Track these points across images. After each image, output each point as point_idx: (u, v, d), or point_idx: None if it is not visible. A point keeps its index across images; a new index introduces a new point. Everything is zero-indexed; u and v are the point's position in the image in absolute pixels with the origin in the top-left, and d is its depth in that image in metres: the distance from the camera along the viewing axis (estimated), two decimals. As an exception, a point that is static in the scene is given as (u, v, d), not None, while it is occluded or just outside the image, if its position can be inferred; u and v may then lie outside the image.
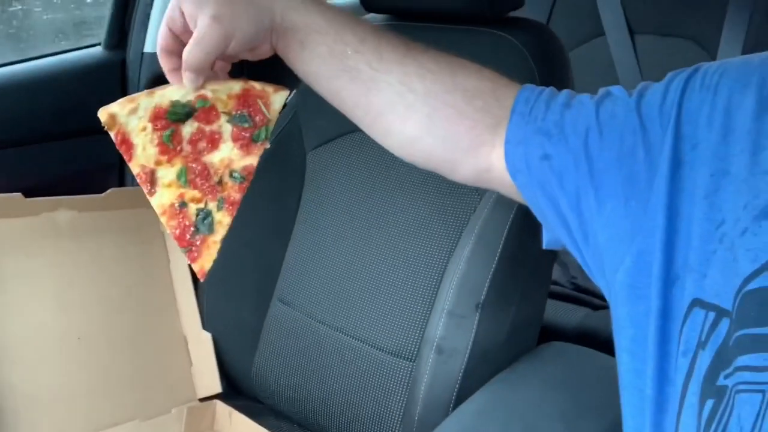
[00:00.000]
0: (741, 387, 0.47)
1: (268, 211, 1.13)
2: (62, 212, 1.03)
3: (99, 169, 1.31)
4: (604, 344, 0.93)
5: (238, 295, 1.13)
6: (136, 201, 1.10)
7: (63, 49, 1.31)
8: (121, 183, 1.33)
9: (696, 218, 0.53)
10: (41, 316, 0.98)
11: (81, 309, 1.02)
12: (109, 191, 1.08)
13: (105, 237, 1.07)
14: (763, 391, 0.47)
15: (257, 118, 0.63)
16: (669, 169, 0.55)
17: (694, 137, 0.55)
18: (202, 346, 1.10)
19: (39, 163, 1.21)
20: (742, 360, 0.48)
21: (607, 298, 0.60)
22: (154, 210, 1.14)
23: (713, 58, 1.43)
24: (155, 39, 1.29)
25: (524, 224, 0.87)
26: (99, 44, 1.31)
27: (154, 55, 1.25)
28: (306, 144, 1.13)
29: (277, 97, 0.64)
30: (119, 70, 1.27)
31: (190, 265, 1.10)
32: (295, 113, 1.14)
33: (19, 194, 0.98)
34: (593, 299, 1.35)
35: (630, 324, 0.56)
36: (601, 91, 0.62)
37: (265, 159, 1.10)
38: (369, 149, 1.05)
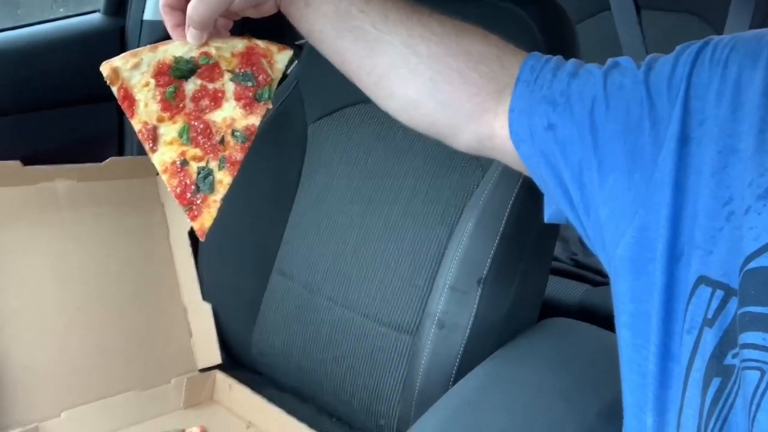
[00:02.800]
0: (746, 364, 0.47)
1: (268, 183, 1.12)
2: (61, 181, 1.02)
3: (98, 137, 1.30)
4: (604, 320, 0.93)
5: (238, 266, 1.13)
6: (136, 170, 1.10)
7: (61, 16, 1.29)
8: (120, 152, 1.33)
9: (702, 195, 0.52)
10: (40, 286, 0.98)
11: (80, 279, 1.01)
12: (108, 160, 1.07)
13: (104, 207, 1.06)
14: (762, 370, 0.47)
15: (260, 77, 0.63)
16: (676, 144, 0.54)
17: (703, 113, 0.54)
18: (201, 318, 1.10)
19: (37, 132, 1.20)
20: (745, 337, 0.48)
21: (607, 272, 0.60)
22: (153, 180, 1.14)
23: (719, 35, 1.41)
24: (155, 6, 1.28)
25: (527, 200, 0.87)
26: (98, 10, 1.29)
27: (154, 23, 1.24)
28: (307, 116, 1.12)
29: (281, 57, 0.64)
30: (118, 37, 1.26)
31: (190, 236, 1.11)
32: (296, 84, 1.13)
33: (17, 162, 0.97)
34: (593, 275, 1.35)
35: (631, 299, 0.56)
36: (609, 61, 0.61)
37: (266, 130, 1.10)
38: (371, 122, 1.04)
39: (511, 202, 0.87)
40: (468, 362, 0.86)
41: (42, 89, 1.19)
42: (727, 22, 1.41)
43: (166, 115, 0.62)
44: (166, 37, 0.62)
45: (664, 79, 0.56)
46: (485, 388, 0.82)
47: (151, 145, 0.62)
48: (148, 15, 1.25)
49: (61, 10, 1.41)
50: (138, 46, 1.25)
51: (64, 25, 1.26)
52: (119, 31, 1.26)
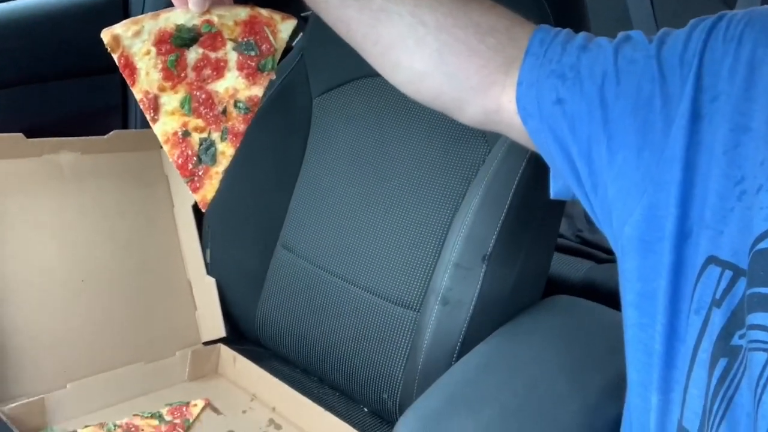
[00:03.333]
0: (752, 345, 0.47)
1: (272, 156, 1.11)
2: (65, 154, 1.02)
3: (101, 110, 1.29)
4: (608, 297, 0.93)
5: (242, 241, 1.13)
6: (140, 143, 1.09)
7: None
8: (124, 125, 1.32)
9: (713, 174, 0.52)
10: (45, 257, 0.98)
11: (85, 251, 1.01)
12: (112, 133, 1.06)
13: (108, 180, 1.06)
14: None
15: (264, 47, 0.62)
16: (687, 121, 0.53)
17: (715, 89, 0.53)
18: (206, 291, 1.10)
19: (41, 104, 1.19)
20: (752, 318, 0.47)
21: (614, 250, 0.60)
22: (158, 153, 1.13)
23: (731, 9, 1.39)
24: (159, -24, 1.25)
25: (533, 177, 0.86)
26: (100, -19, 1.27)
27: (157, -6, 1.22)
28: (312, 89, 1.11)
29: (285, 26, 0.62)
30: (122, 7, 1.24)
31: (194, 210, 1.11)
32: (301, 57, 1.12)
33: (20, 134, 0.97)
34: (598, 252, 1.34)
35: (638, 278, 0.56)
36: (621, 35, 0.60)
37: (270, 103, 1.09)
38: (377, 97, 1.03)
39: (517, 179, 0.87)
40: (471, 339, 0.86)
41: (45, 61, 1.18)
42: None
43: (168, 84, 0.61)
44: (170, 5, 0.61)
45: (677, 55, 0.55)
46: (488, 365, 0.82)
47: (152, 114, 0.61)
48: (152, -16, 1.24)
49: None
50: (141, 16, 1.25)
51: (67, -5, 1.24)
52: (122, 2, 1.25)
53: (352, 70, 1.05)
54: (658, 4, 1.55)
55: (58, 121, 1.20)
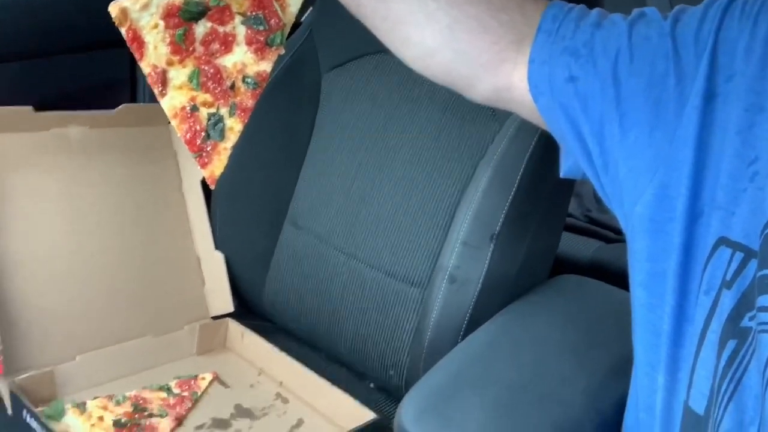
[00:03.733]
0: (762, 327, 0.46)
1: (281, 133, 1.11)
2: (73, 128, 1.02)
3: (110, 84, 1.29)
4: (616, 277, 0.92)
5: (250, 217, 1.13)
6: (149, 118, 1.09)
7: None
8: (133, 99, 1.31)
9: (726, 154, 0.51)
10: (54, 231, 0.98)
11: (93, 226, 1.01)
12: (120, 107, 1.06)
13: (116, 154, 1.06)
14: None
15: (272, 21, 0.61)
16: (701, 100, 0.52)
17: (730, 68, 0.52)
18: (214, 266, 1.11)
19: (49, 77, 1.18)
20: (763, 300, 0.47)
21: (624, 230, 0.59)
22: (166, 128, 1.13)
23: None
24: (167, -51, 1.24)
25: (543, 155, 0.86)
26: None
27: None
28: (321, 65, 1.10)
29: (294, 0, 0.62)
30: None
31: (203, 185, 1.11)
32: (310, 32, 1.11)
33: (29, 107, 0.96)
34: (607, 232, 1.34)
35: (647, 258, 0.55)
36: (635, 11, 0.59)
37: (279, 79, 1.08)
38: (387, 72, 1.03)
39: (526, 157, 0.86)
40: (478, 317, 0.86)
41: (53, 34, 1.17)
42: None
43: (176, 58, 0.61)
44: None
45: (691, 33, 0.54)
46: (494, 343, 0.82)
47: (160, 89, 0.61)
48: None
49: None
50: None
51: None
52: (131, -26, 1.23)
53: (361, 45, 1.04)
54: (673, -20, 1.52)
55: (66, 95, 1.20)
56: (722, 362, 0.48)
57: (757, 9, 0.52)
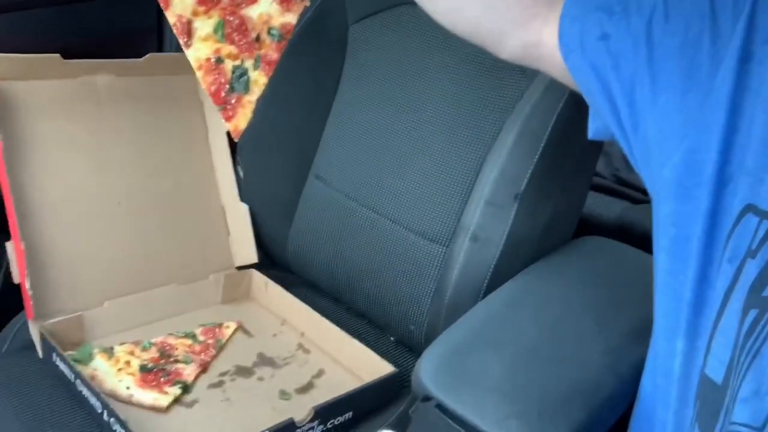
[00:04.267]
0: (785, 298, 0.46)
1: (306, 85, 1.10)
2: (101, 76, 1.02)
3: (137, 32, 1.29)
4: (642, 239, 0.91)
5: (275, 169, 1.13)
6: (175, 67, 1.08)
7: None
8: (159, 48, 1.31)
9: (759, 119, 0.50)
10: (82, 178, 0.99)
11: (120, 174, 1.03)
12: (148, 56, 1.05)
13: (144, 103, 1.06)
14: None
15: None
16: (736, 62, 0.51)
17: None
18: (239, 217, 1.12)
19: (76, 24, 1.18)
20: (788, 271, 0.46)
21: (650, 193, 0.58)
22: (193, 77, 1.12)
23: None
24: None
25: (572, 115, 0.84)
26: None
27: None
28: (349, 16, 1.09)
29: None
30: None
31: (229, 136, 1.11)
32: (338, -18, 1.09)
33: (57, 55, 0.97)
34: (634, 193, 1.32)
35: (672, 223, 0.55)
36: None
37: (304, 31, 1.07)
38: (414, 26, 1.01)
39: (555, 117, 0.84)
40: (500, 276, 0.86)
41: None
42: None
43: (201, 9, 0.60)
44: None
45: None
46: (515, 302, 0.82)
47: (185, 39, 0.61)
48: None
49: None
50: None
51: None
52: None
53: (390, -4, 1.02)
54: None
55: (93, 42, 1.20)
56: (743, 331, 0.48)
57: (801, -32, 0.50)
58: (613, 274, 0.89)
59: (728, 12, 0.52)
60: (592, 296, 0.82)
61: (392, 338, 1.04)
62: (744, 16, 0.51)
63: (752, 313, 0.48)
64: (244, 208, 1.12)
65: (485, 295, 0.86)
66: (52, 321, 0.93)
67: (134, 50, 1.06)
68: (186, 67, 1.08)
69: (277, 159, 1.12)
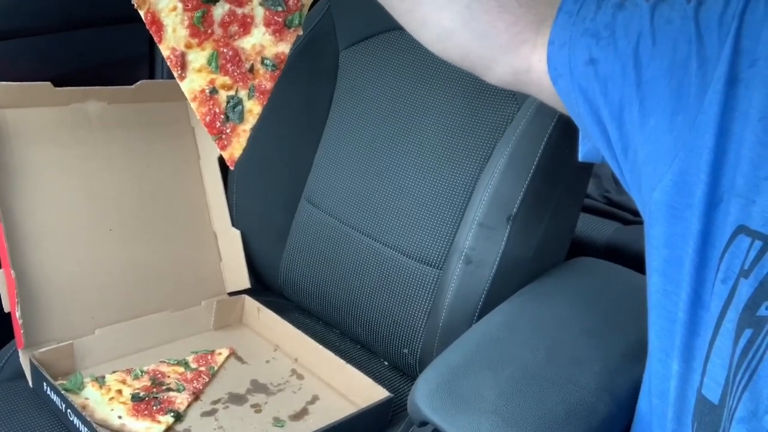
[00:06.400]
0: (780, 318, 0.46)
1: (298, 110, 1.11)
2: (92, 103, 1.02)
3: (128, 59, 1.29)
4: (634, 260, 0.92)
5: (267, 193, 1.13)
6: (167, 94, 1.09)
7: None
8: (151, 75, 1.32)
9: (748, 141, 0.50)
10: (73, 206, 0.99)
11: (112, 201, 1.02)
12: (139, 83, 1.06)
13: (135, 130, 1.06)
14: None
15: (290, 2, 0.61)
16: (723, 85, 0.51)
17: (754, 53, 0.51)
18: (231, 243, 1.11)
19: (68, 53, 1.19)
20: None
21: (642, 215, 0.59)
22: (184, 104, 1.13)
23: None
24: None
25: (562, 137, 0.85)
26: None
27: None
28: (339, 42, 1.10)
29: None
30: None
31: (220, 162, 1.11)
32: (328, 8, 1.10)
33: (48, 83, 0.97)
34: (625, 213, 1.33)
35: (665, 245, 0.55)
36: None
37: (296, 56, 1.08)
38: (405, 50, 1.02)
39: (545, 139, 0.85)
40: (493, 298, 0.86)
41: (72, 9, 1.17)
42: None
43: (195, 41, 0.61)
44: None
45: (716, 16, 0.53)
46: (509, 324, 0.82)
47: (179, 72, 0.61)
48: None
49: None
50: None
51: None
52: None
53: (380, 22, 1.03)
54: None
55: (85, 70, 1.20)
56: (738, 351, 0.48)
57: (784, -10, 0.51)
58: (606, 294, 0.89)
59: (714, 36, 0.53)
60: (587, 317, 0.82)
61: (385, 362, 1.04)
62: (729, 39, 0.52)
63: (747, 333, 0.48)
64: (236, 234, 1.11)
65: (479, 317, 0.86)
66: (42, 350, 0.92)
67: (126, 77, 1.07)
68: (177, 94, 1.08)
69: (269, 184, 1.13)
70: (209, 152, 1.11)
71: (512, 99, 0.90)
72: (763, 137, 0.49)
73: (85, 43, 1.21)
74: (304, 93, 1.10)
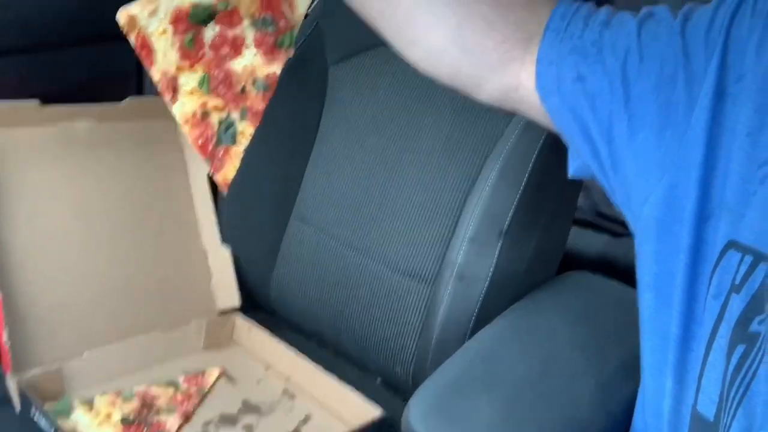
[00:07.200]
0: (772, 333, 0.46)
1: (288, 126, 1.10)
2: (80, 121, 1.02)
3: (117, 76, 1.29)
4: (625, 272, 0.91)
5: (257, 211, 1.13)
6: (155, 111, 1.08)
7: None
8: (139, 91, 1.31)
9: (736, 155, 0.50)
10: (62, 226, 0.98)
11: (101, 220, 1.02)
12: (127, 100, 1.05)
13: (124, 148, 1.06)
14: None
15: (281, 23, 0.61)
16: (711, 100, 0.51)
17: (740, 68, 0.51)
18: (221, 261, 1.11)
19: (55, 70, 1.18)
20: (774, 305, 0.46)
21: (632, 231, 0.59)
22: (173, 121, 1.12)
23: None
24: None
25: (553, 151, 0.85)
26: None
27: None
28: (328, 57, 1.10)
29: (302, 0, 0.61)
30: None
31: (210, 179, 1.11)
32: (317, 24, 1.10)
33: (35, 101, 0.96)
34: (615, 226, 1.33)
35: (655, 260, 0.55)
36: (644, 10, 0.58)
37: (285, 73, 1.06)
38: (394, 66, 1.02)
39: (536, 153, 0.85)
40: (486, 314, 0.86)
41: (59, 27, 1.17)
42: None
43: (186, 63, 0.60)
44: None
45: (702, 31, 0.53)
46: (503, 340, 0.82)
47: (171, 95, 0.61)
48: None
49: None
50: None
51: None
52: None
53: (369, 37, 1.02)
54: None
55: (73, 88, 1.19)
56: (731, 367, 0.48)
57: (769, 5, 0.51)
58: (599, 308, 0.89)
59: (700, 52, 0.53)
60: (580, 332, 0.82)
61: (379, 380, 1.03)
62: (716, 55, 0.52)
63: (740, 349, 0.48)
64: (226, 251, 1.11)
65: (472, 333, 0.85)
66: (30, 374, 0.91)
67: (114, 94, 1.06)
68: (166, 111, 1.09)
69: (259, 200, 1.12)
70: (199, 169, 1.11)
71: (502, 114, 0.90)
72: (751, 152, 0.49)
73: (73, 61, 1.20)
74: (293, 109, 1.10)
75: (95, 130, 1.03)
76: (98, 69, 1.25)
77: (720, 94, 0.51)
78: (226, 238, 1.11)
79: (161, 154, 1.10)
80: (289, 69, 1.08)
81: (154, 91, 1.29)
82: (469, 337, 0.85)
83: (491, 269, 0.86)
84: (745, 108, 0.50)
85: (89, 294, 0.98)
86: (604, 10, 0.59)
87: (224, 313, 1.11)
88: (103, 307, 0.99)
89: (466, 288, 0.87)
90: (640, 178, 0.55)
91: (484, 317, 0.86)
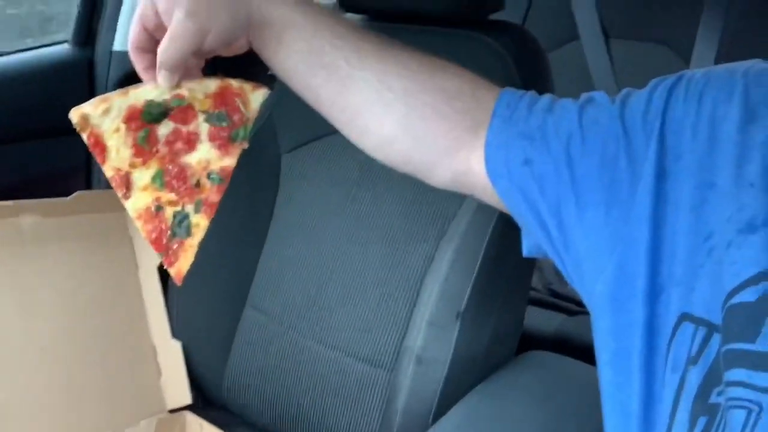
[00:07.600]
0: (731, 403, 0.46)
1: (241, 214, 1.10)
2: (25, 217, 0.99)
3: (65, 171, 1.27)
4: (581, 350, 0.92)
5: (210, 301, 1.10)
6: (104, 205, 1.07)
7: (28, 47, 1.27)
8: (88, 186, 1.30)
9: (682, 231, 0.52)
10: (4, 323, 0.94)
11: (45, 318, 0.98)
12: (75, 194, 1.04)
13: (71, 243, 1.03)
14: (748, 408, 0.46)
15: (235, 117, 0.61)
16: (653, 180, 0.53)
17: (679, 148, 0.54)
18: (171, 356, 1.07)
19: (1, 165, 1.16)
20: (730, 375, 0.47)
21: (588, 308, 0.59)
22: (122, 214, 1.11)
23: (687, 63, 1.43)
24: (125, 36, 1.26)
25: (505, 232, 0.86)
26: (66, 41, 1.27)
27: (123, 54, 1.22)
28: (281, 146, 1.11)
29: (256, 96, 0.62)
30: (86, 69, 1.23)
31: (160, 271, 1.08)
32: (270, 114, 1.12)
33: (-21, 198, 0.94)
34: (569, 305, 1.34)
35: (612, 338, 0.55)
36: (584, 96, 0.61)
37: (238, 161, 1.08)
38: (346, 153, 1.03)
39: (489, 234, 0.86)
40: (448, 398, 0.84)
41: (7, 122, 1.16)
42: (694, 52, 1.43)
43: (139, 160, 0.60)
44: (137, 78, 0.61)
45: (639, 115, 0.56)
46: (467, 426, 0.80)
47: (124, 191, 0.60)
48: (117, 46, 1.24)
49: (29, 40, 1.38)
50: (107, 77, 1.24)
51: (31, 56, 1.23)
52: (87, 63, 1.24)
53: (320, 127, 1.03)
54: (617, 58, 1.59)
55: (19, 182, 1.17)
56: (695, 440, 0.48)
57: (700, 89, 0.54)
58: (559, 389, 0.88)
59: (639, 134, 0.55)
60: (543, 412, 0.81)
61: (340, 473, 0.99)
62: (654, 137, 0.54)
63: (701, 421, 0.48)
64: (176, 346, 1.07)
65: (435, 418, 0.84)
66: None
67: (63, 189, 1.04)
68: (115, 204, 1.07)
69: (211, 291, 1.10)
70: (148, 261, 1.09)
71: (453, 196, 0.91)
72: (696, 226, 0.51)
73: (20, 157, 1.19)
74: (246, 197, 1.09)
75: (41, 225, 1.01)
76: (46, 164, 1.24)
77: (661, 174, 0.53)
78: (176, 331, 1.08)
79: (109, 248, 1.08)
80: (243, 157, 1.09)
81: (103, 185, 1.28)
82: (432, 423, 0.83)
83: (450, 352, 0.85)
84: (686, 185, 0.52)
85: (33, 395, 0.94)
86: (547, 98, 0.62)
87: (174, 411, 1.06)
88: (48, 409, 0.94)
89: (426, 372, 0.86)
90: (591, 256, 0.56)
91: (446, 402, 0.84)
